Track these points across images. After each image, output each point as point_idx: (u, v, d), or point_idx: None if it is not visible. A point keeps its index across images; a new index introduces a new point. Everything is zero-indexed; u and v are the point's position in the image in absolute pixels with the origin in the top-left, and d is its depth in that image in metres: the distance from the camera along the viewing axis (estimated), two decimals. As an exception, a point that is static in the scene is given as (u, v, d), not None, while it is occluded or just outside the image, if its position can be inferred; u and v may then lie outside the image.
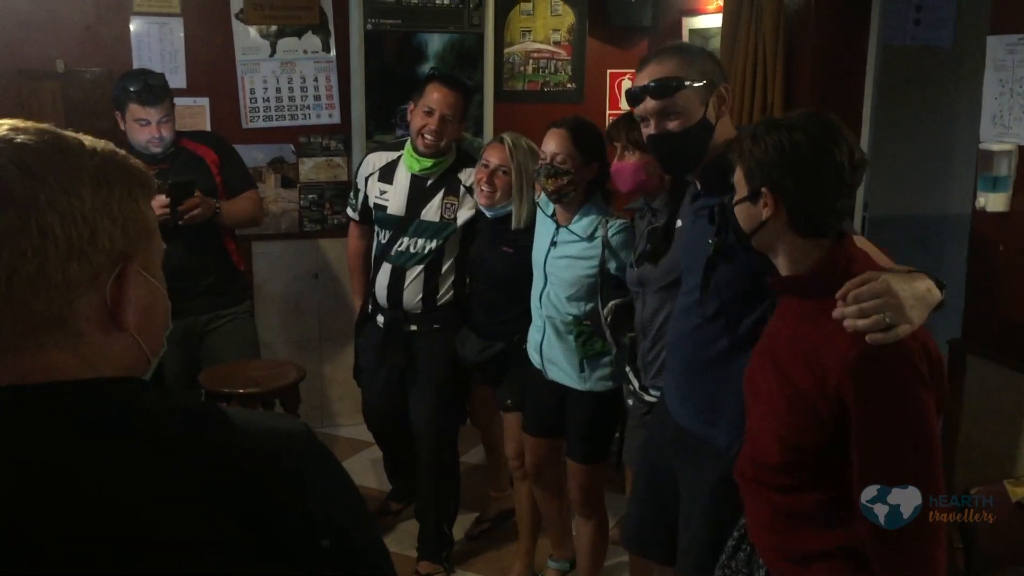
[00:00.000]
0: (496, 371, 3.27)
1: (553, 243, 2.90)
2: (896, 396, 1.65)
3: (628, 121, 2.62)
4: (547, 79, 4.82)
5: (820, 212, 1.76)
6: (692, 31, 4.53)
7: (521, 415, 3.21)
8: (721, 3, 3.98)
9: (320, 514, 0.84)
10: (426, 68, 4.48)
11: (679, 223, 2.45)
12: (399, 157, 3.35)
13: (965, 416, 3.19)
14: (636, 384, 2.68)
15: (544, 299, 2.93)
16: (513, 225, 3.08)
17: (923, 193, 4.70)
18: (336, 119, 4.54)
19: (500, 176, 3.06)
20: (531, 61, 4.79)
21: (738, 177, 1.84)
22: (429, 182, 3.29)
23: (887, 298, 1.61)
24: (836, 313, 1.66)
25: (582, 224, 2.84)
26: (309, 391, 4.70)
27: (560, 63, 4.84)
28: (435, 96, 3.17)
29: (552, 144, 2.80)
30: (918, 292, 1.65)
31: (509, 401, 3.26)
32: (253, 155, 4.43)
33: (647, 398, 2.63)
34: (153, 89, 3.38)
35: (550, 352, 2.94)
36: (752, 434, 1.92)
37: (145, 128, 3.39)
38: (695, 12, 4.55)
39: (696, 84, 2.09)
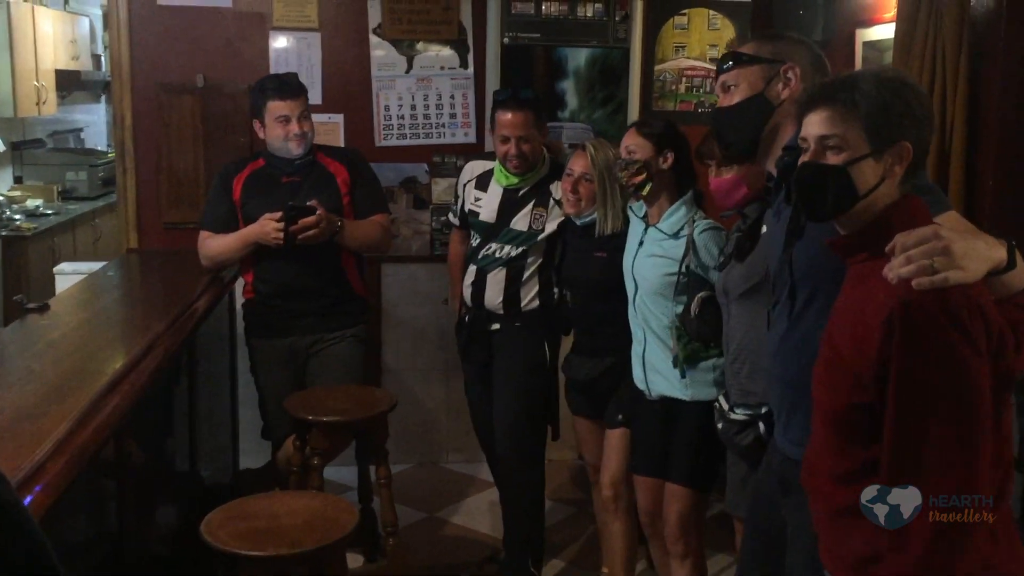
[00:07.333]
0: (609, 387, 3.08)
1: (641, 243, 2.87)
2: (934, 351, 1.50)
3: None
4: (702, 99, 4.42)
5: (924, 161, 1.70)
6: (866, 43, 4.03)
7: (630, 436, 2.98)
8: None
9: None
10: (566, 85, 4.23)
11: (764, 228, 2.38)
12: (494, 167, 3.39)
13: None
14: (726, 405, 2.47)
15: (639, 305, 2.85)
16: (597, 231, 3.06)
17: None
18: (472, 138, 4.34)
19: (584, 184, 3.07)
20: (684, 79, 4.40)
21: (846, 135, 1.65)
22: (521, 192, 3.33)
23: (935, 242, 1.49)
24: (886, 269, 1.53)
25: (670, 222, 2.81)
26: (432, 423, 4.53)
27: (717, 82, 4.44)
28: (504, 121, 3.22)
29: (625, 140, 2.87)
30: (975, 246, 1.53)
31: (620, 416, 3.02)
32: (385, 174, 4.27)
33: (733, 417, 2.45)
34: (291, 84, 3.40)
35: (653, 359, 2.81)
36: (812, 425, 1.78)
37: (286, 125, 3.33)
38: (870, 23, 4.05)
39: (757, 60, 2.08)
